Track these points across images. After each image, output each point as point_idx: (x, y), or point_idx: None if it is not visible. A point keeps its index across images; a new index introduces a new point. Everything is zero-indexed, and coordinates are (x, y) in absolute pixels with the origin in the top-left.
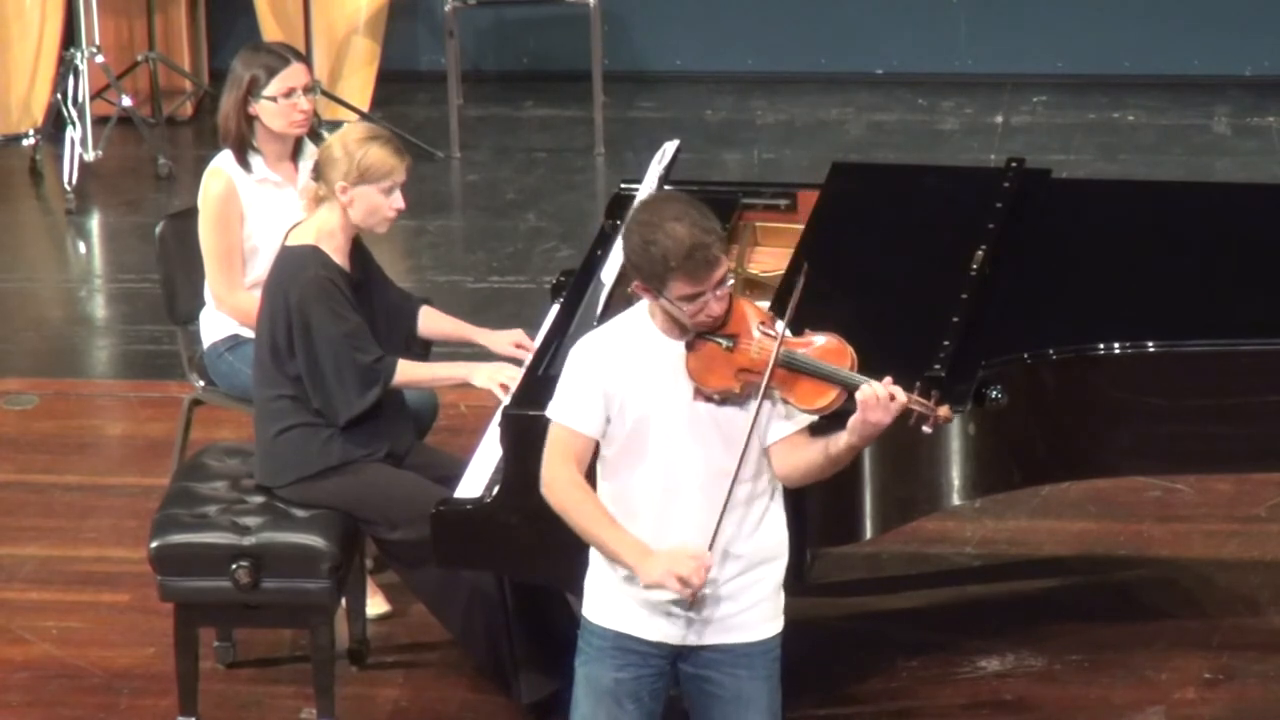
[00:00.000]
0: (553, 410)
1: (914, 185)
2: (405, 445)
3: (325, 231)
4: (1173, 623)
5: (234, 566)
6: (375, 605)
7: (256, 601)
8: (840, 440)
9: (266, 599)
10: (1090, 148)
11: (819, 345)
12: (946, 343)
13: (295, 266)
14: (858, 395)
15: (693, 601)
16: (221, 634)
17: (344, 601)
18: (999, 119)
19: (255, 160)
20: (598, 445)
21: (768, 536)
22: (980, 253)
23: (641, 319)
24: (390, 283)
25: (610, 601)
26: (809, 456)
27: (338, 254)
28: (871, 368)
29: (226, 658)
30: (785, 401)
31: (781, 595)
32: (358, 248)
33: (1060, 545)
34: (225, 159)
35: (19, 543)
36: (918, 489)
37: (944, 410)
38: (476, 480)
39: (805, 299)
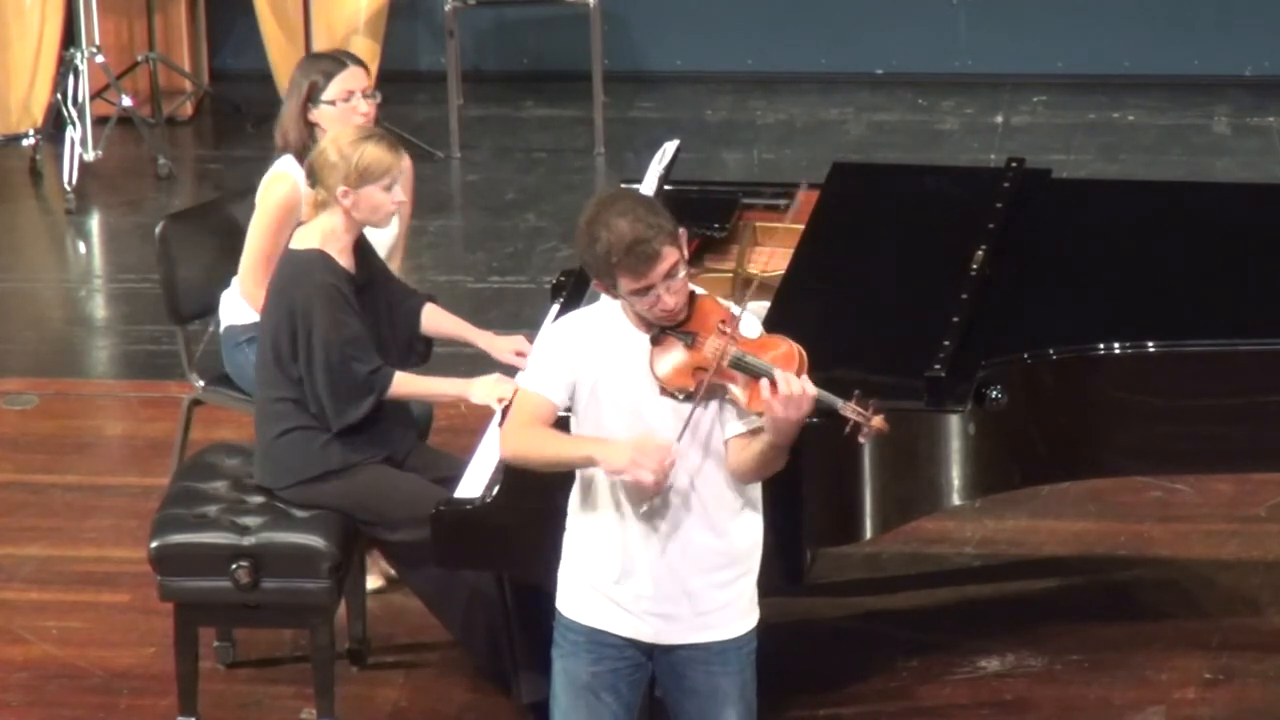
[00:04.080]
0: (520, 378)
1: (914, 185)
2: (406, 448)
3: (329, 234)
4: (1173, 623)
5: (234, 566)
6: (374, 579)
7: (256, 601)
8: (765, 438)
9: (266, 599)
10: (1090, 148)
11: (772, 351)
12: (946, 343)
13: (301, 271)
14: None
15: (654, 494)
16: (221, 634)
17: (344, 601)
18: (999, 119)
19: None
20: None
21: (742, 537)
22: (980, 253)
23: (617, 308)
24: (394, 279)
25: (582, 596)
26: (748, 455)
27: (342, 256)
28: (871, 367)
29: (226, 658)
30: (736, 404)
31: (755, 591)
32: (361, 246)
33: (1060, 545)
34: (290, 164)
35: (19, 543)
36: (918, 489)
37: (878, 421)
38: (476, 480)
39: (807, 298)
